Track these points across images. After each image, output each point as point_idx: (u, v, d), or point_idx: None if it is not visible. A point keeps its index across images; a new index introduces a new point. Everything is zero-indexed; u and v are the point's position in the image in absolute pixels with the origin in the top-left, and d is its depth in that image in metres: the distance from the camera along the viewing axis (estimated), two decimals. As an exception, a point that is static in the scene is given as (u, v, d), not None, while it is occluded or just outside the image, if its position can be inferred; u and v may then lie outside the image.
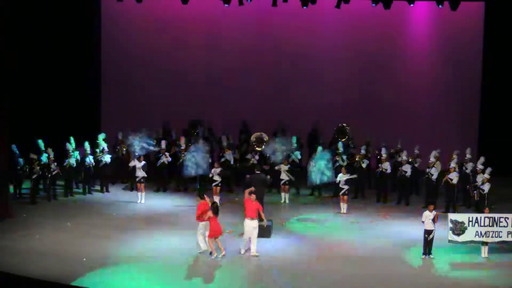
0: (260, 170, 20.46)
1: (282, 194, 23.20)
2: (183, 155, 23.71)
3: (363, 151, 23.70)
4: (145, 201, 22.63)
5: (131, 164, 22.94)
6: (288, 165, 23.23)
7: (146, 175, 22.68)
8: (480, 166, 21.69)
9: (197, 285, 15.94)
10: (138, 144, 22.81)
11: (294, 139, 24.64)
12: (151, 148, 23.20)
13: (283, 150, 22.41)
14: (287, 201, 23.08)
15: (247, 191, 17.85)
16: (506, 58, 26.17)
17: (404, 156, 23.13)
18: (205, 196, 17.91)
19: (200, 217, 17.43)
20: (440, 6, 25.25)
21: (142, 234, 19.16)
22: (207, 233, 17.41)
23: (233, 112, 27.35)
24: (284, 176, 23.12)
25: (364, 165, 23.56)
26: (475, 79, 27.22)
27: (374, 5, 25.15)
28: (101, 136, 24.10)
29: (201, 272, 16.83)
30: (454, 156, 22.58)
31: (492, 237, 17.67)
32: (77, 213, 21.12)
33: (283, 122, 26.57)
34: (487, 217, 17.71)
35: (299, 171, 23.91)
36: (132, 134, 22.95)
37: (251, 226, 17.48)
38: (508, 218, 17.68)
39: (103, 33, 28.10)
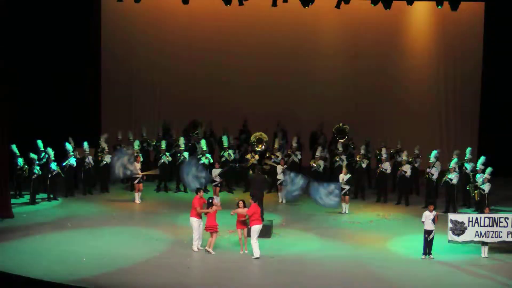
0: (260, 170, 20.45)
1: (280, 194, 23.20)
2: (181, 155, 23.76)
3: (362, 151, 23.70)
4: (145, 201, 22.63)
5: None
6: (285, 165, 23.22)
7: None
8: (480, 166, 21.68)
9: (200, 285, 15.97)
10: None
11: (294, 139, 24.73)
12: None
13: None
14: (284, 201, 23.08)
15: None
16: (506, 58, 26.15)
17: (404, 156, 23.13)
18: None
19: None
20: (439, 6, 25.22)
21: (142, 234, 19.17)
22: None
23: (233, 112, 27.35)
24: (281, 176, 23.12)
25: (364, 165, 23.56)
26: (475, 79, 27.19)
27: (373, 5, 25.14)
28: (102, 137, 24.25)
29: (200, 272, 16.85)
30: (454, 156, 22.58)
31: (492, 237, 17.66)
32: (77, 213, 21.12)
33: (283, 123, 26.60)
34: (487, 217, 17.70)
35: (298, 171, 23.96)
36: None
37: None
38: (508, 218, 17.69)
39: (103, 33, 28.09)
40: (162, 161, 23.76)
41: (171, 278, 16.01)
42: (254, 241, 17.35)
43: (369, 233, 19.78)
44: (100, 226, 19.85)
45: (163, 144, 24.01)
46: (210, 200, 17.78)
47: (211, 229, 17.54)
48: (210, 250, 17.55)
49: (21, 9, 24.09)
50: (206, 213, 17.61)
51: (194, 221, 17.67)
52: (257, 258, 17.27)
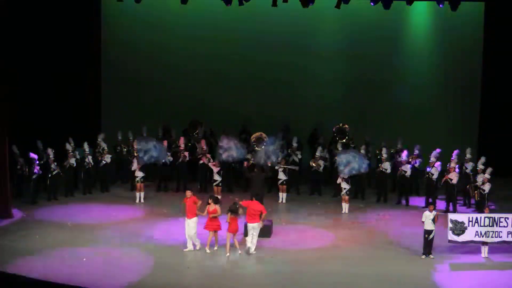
0: (259, 170, 20.48)
1: (280, 194, 23.20)
2: (182, 155, 23.80)
3: (362, 152, 23.66)
4: (145, 201, 22.66)
5: (133, 167, 22.85)
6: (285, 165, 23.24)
7: (145, 175, 22.74)
8: (480, 166, 21.69)
9: (200, 285, 15.98)
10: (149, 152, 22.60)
11: (295, 139, 24.73)
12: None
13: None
14: (284, 200, 23.09)
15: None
16: (506, 58, 26.14)
17: (404, 156, 23.12)
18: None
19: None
20: (441, 5, 25.21)
21: (142, 234, 19.18)
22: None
23: (233, 112, 27.34)
24: (281, 176, 23.12)
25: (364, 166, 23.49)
26: (475, 79, 27.18)
27: (373, 4, 25.13)
28: (100, 137, 24.26)
29: (200, 272, 16.85)
30: (454, 156, 22.56)
31: (492, 237, 17.66)
32: (77, 213, 21.13)
33: (285, 121, 26.56)
34: (487, 217, 17.70)
35: (298, 171, 24.04)
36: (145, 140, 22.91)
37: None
38: (508, 218, 17.68)
39: (103, 33, 28.10)
40: (163, 161, 23.79)
41: (171, 278, 16.01)
42: (253, 238, 17.47)
43: (369, 233, 19.78)
44: (100, 226, 19.86)
45: (165, 145, 23.99)
46: (210, 201, 17.84)
47: (211, 228, 17.58)
48: (207, 248, 17.60)
49: (21, 9, 24.09)
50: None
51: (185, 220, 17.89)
52: (252, 253, 17.43)
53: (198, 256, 17.47)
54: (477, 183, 21.16)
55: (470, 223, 17.70)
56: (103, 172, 23.72)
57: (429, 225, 17.54)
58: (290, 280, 16.08)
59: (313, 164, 23.77)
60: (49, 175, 22.24)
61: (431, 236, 17.54)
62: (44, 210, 21.41)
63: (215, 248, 17.77)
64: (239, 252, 17.53)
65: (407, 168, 22.80)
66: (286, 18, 27.14)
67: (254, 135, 24.40)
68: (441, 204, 21.98)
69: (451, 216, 18.11)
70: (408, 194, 23.06)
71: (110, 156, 23.85)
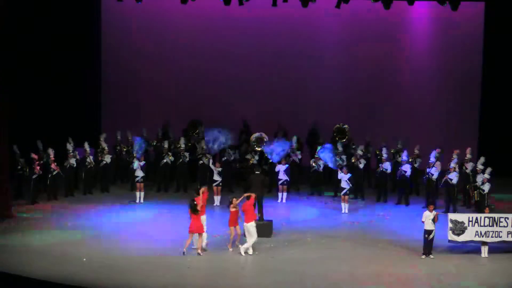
0: (260, 170, 20.48)
1: (280, 193, 23.19)
2: (182, 155, 23.82)
3: (360, 152, 23.60)
4: (145, 201, 22.66)
5: (134, 166, 22.86)
6: (287, 164, 23.21)
7: (145, 175, 22.76)
8: (480, 166, 21.69)
9: (200, 285, 15.98)
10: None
11: (294, 139, 24.73)
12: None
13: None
14: (284, 200, 23.08)
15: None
16: (506, 58, 26.16)
17: (404, 156, 23.13)
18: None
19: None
20: (445, 4, 25.13)
21: (142, 233, 19.18)
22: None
23: (233, 112, 27.34)
24: (282, 176, 23.11)
25: (361, 166, 23.46)
26: (475, 79, 27.21)
27: (373, 1, 25.04)
28: (102, 137, 24.27)
29: (200, 272, 16.85)
30: (454, 156, 22.57)
31: (492, 237, 17.66)
32: (77, 213, 21.13)
33: (283, 123, 26.55)
34: (487, 217, 17.70)
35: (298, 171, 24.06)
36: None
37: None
38: (508, 218, 17.67)
39: (103, 33, 28.11)
40: (164, 161, 23.80)
41: (171, 278, 16.00)
42: (249, 239, 17.56)
43: (369, 233, 19.78)
44: (100, 226, 19.86)
45: (166, 144, 24.04)
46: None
47: (196, 230, 17.50)
48: (199, 251, 17.53)
49: (21, 9, 24.09)
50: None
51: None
52: (246, 253, 17.45)
53: (198, 256, 17.44)
54: (477, 183, 21.17)
55: (470, 223, 17.70)
56: (103, 172, 23.72)
57: (429, 225, 17.53)
58: (290, 280, 16.07)
59: (313, 164, 23.78)
60: (49, 175, 22.25)
61: (431, 236, 17.53)
62: (44, 210, 21.41)
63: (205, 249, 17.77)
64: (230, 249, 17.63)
65: (407, 168, 22.80)
66: (286, 17, 27.16)
67: (254, 135, 24.43)
68: (441, 204, 21.97)
69: (451, 216, 18.11)
70: (408, 194, 23.06)
71: (110, 156, 23.87)
